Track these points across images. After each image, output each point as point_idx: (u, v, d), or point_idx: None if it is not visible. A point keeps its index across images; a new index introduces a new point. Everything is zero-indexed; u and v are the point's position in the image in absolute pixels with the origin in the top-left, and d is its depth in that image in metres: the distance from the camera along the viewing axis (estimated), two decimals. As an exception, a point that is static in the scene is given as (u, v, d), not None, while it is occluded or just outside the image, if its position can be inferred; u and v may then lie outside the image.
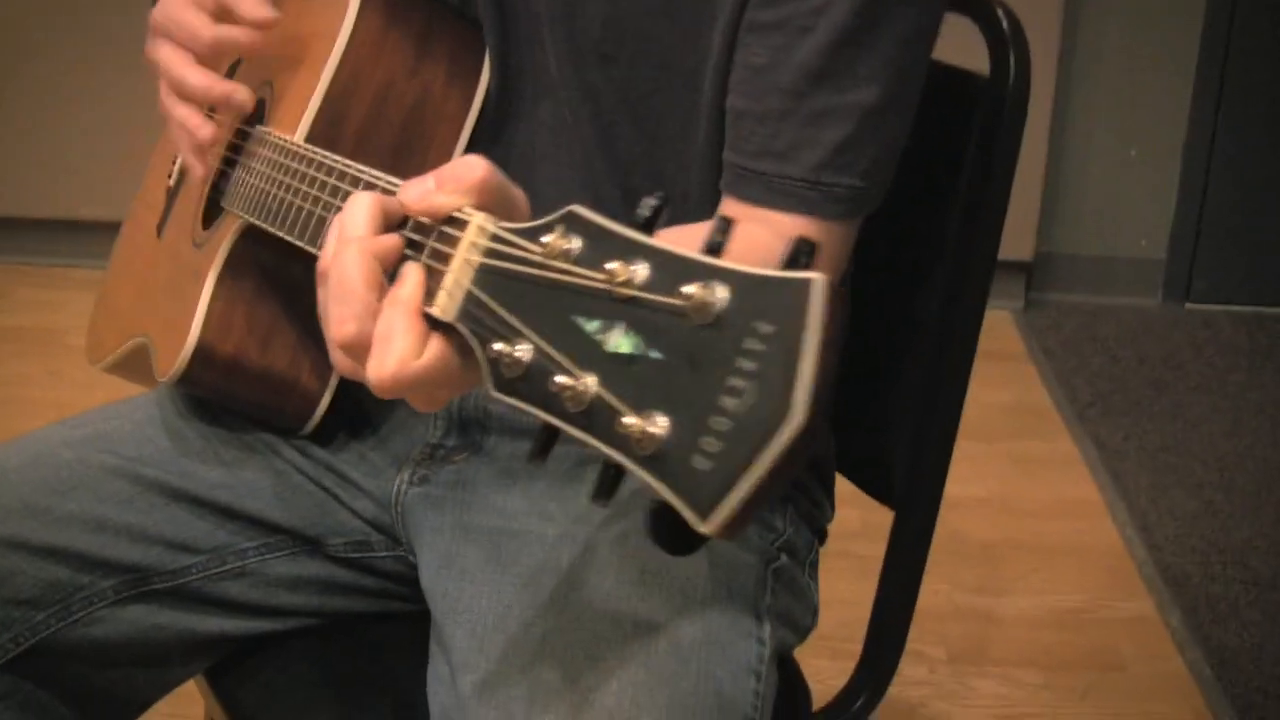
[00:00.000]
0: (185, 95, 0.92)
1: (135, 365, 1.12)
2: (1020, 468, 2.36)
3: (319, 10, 0.97)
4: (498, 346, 0.57)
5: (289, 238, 0.83)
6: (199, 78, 0.91)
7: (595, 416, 0.53)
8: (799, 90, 0.81)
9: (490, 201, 0.65)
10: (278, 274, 0.96)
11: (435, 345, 0.63)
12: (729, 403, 0.50)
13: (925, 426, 1.03)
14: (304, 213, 0.82)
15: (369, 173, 0.76)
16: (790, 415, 0.48)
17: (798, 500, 1.03)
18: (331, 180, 0.79)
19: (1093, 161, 2.97)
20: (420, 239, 0.66)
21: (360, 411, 1.03)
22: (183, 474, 0.99)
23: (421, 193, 0.66)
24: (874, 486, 1.08)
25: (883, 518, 1.07)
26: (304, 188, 0.82)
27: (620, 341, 0.53)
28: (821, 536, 1.07)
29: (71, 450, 0.98)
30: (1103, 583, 2.07)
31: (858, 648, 1.08)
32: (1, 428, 2.28)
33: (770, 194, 0.82)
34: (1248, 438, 2.45)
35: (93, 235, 2.90)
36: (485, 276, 0.60)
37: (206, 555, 0.99)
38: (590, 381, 0.54)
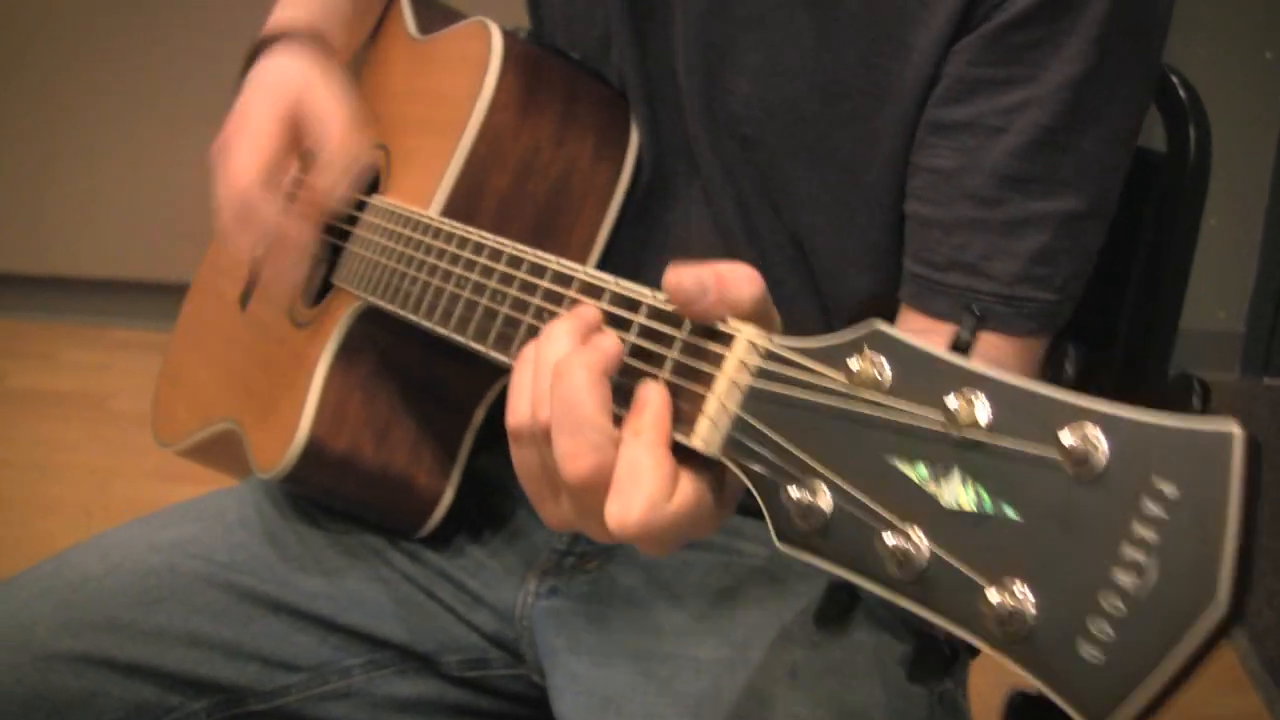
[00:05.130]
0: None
1: (219, 453, 1.02)
2: (1110, 553, 2.25)
3: (445, 68, 0.87)
4: (791, 491, 0.47)
5: (433, 326, 0.73)
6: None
7: (936, 587, 0.43)
8: (991, 197, 0.71)
9: (754, 320, 0.55)
10: (396, 359, 0.86)
11: (688, 484, 0.53)
12: (1125, 580, 0.40)
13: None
14: (449, 297, 0.72)
15: (547, 258, 0.65)
16: (1213, 600, 0.39)
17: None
18: (499, 266, 0.68)
19: (1171, 230, 2.88)
20: (657, 349, 0.55)
21: (480, 513, 0.92)
22: (280, 583, 0.89)
23: (700, 297, 0.54)
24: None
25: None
26: (450, 269, 0.73)
27: (961, 495, 0.43)
28: (973, 650, 0.96)
29: (159, 555, 0.88)
30: (1202, 676, 1.95)
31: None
32: (36, 493, 2.18)
33: (957, 309, 0.73)
34: (1343, 521, 2.35)
35: (143, 296, 2.83)
36: (759, 403, 0.50)
37: (307, 673, 0.89)
38: (922, 542, 0.44)
